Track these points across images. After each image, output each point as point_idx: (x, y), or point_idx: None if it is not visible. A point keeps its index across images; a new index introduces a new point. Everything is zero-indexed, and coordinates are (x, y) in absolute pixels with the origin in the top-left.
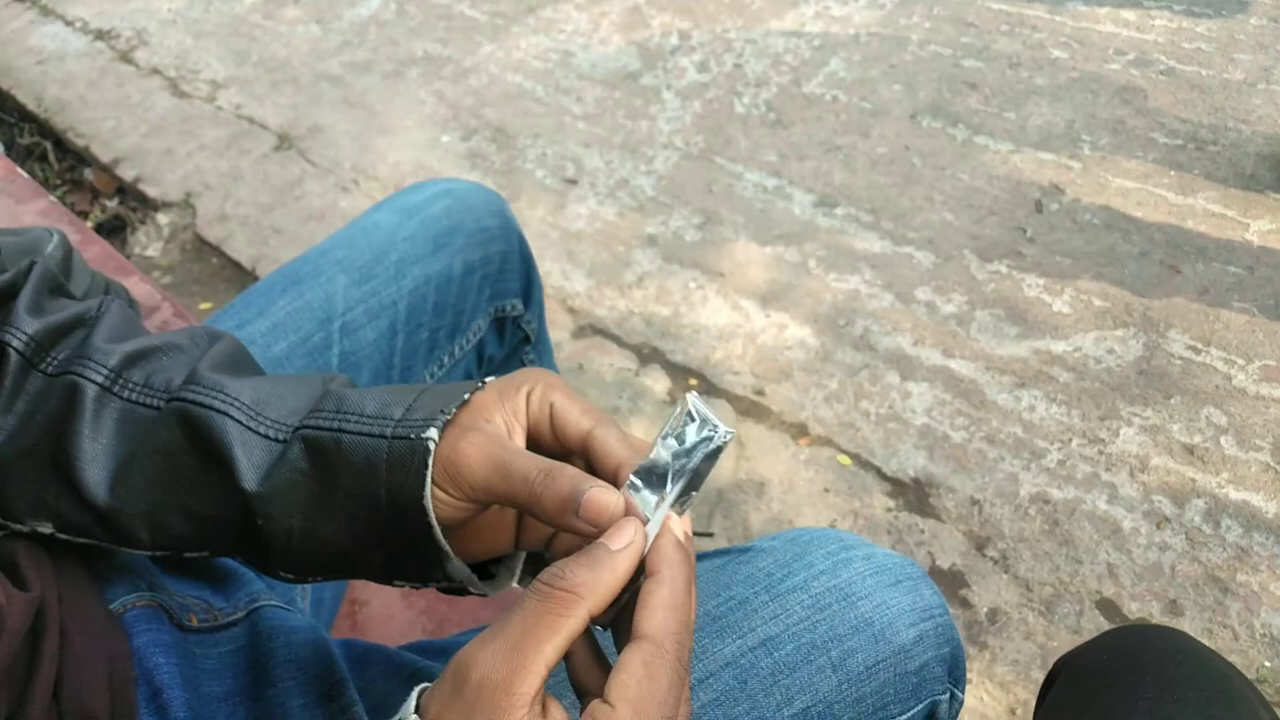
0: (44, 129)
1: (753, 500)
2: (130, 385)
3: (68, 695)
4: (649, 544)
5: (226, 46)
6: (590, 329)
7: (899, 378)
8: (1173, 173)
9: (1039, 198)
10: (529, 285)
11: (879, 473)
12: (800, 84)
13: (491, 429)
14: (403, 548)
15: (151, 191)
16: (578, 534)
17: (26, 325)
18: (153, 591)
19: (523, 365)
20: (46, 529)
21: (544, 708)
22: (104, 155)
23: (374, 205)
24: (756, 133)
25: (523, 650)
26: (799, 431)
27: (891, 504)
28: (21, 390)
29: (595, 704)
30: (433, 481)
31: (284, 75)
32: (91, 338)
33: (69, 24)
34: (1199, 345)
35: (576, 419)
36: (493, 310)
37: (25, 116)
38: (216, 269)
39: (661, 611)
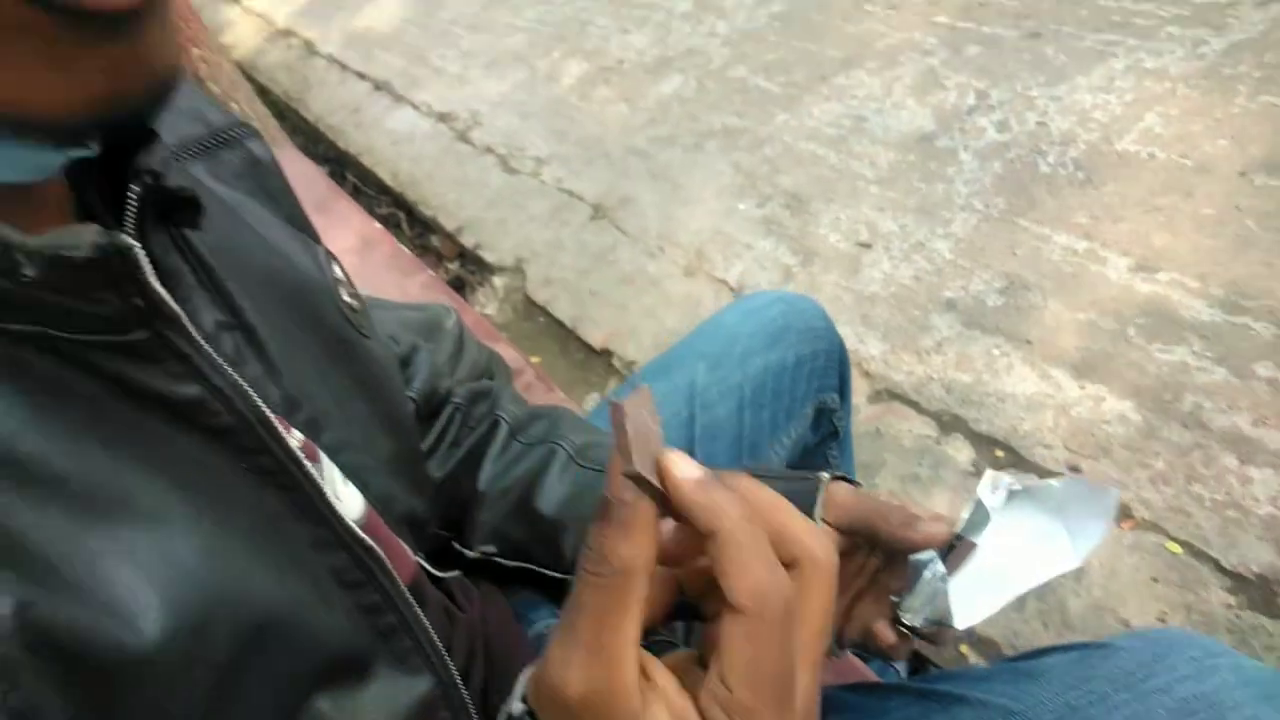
0: (398, 201)
1: (1070, 584)
2: (589, 459)
3: (491, 706)
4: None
5: (548, 126)
6: (887, 393)
7: (1237, 461)
8: None
9: None
10: (843, 384)
11: (1216, 565)
12: (1111, 141)
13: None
14: None
15: (489, 257)
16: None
17: (512, 408)
18: None
19: (827, 460)
20: (491, 550)
21: (646, 676)
22: (448, 224)
23: (722, 309)
24: (1064, 193)
25: (606, 648)
26: (1121, 514)
27: (1231, 600)
28: (506, 451)
29: (712, 684)
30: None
31: (598, 151)
32: (560, 426)
33: (416, 108)
34: None
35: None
36: (816, 400)
37: (383, 189)
38: (543, 327)
39: (741, 574)
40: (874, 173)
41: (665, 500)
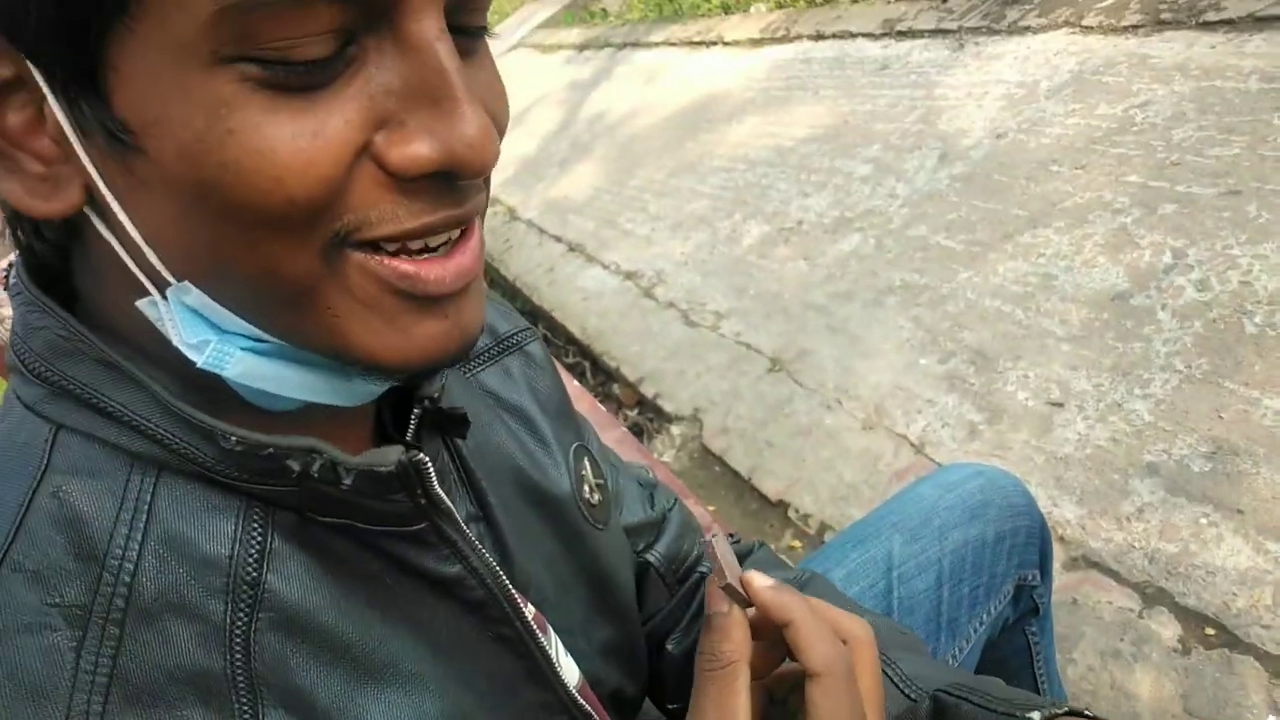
0: (584, 351)
1: None
2: None
3: None
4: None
5: (728, 283)
6: (1084, 561)
7: None
8: None
9: None
10: (1044, 561)
11: None
12: None
13: None
14: None
15: (667, 406)
16: None
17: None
18: None
19: (1025, 636)
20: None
21: None
22: (630, 375)
23: (917, 479)
24: (1274, 355)
25: None
26: None
27: None
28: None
29: None
30: None
31: (776, 306)
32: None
33: (605, 267)
34: None
35: None
36: (1016, 577)
37: (570, 341)
38: (718, 476)
39: (812, 646)
40: (1064, 330)
41: (749, 603)
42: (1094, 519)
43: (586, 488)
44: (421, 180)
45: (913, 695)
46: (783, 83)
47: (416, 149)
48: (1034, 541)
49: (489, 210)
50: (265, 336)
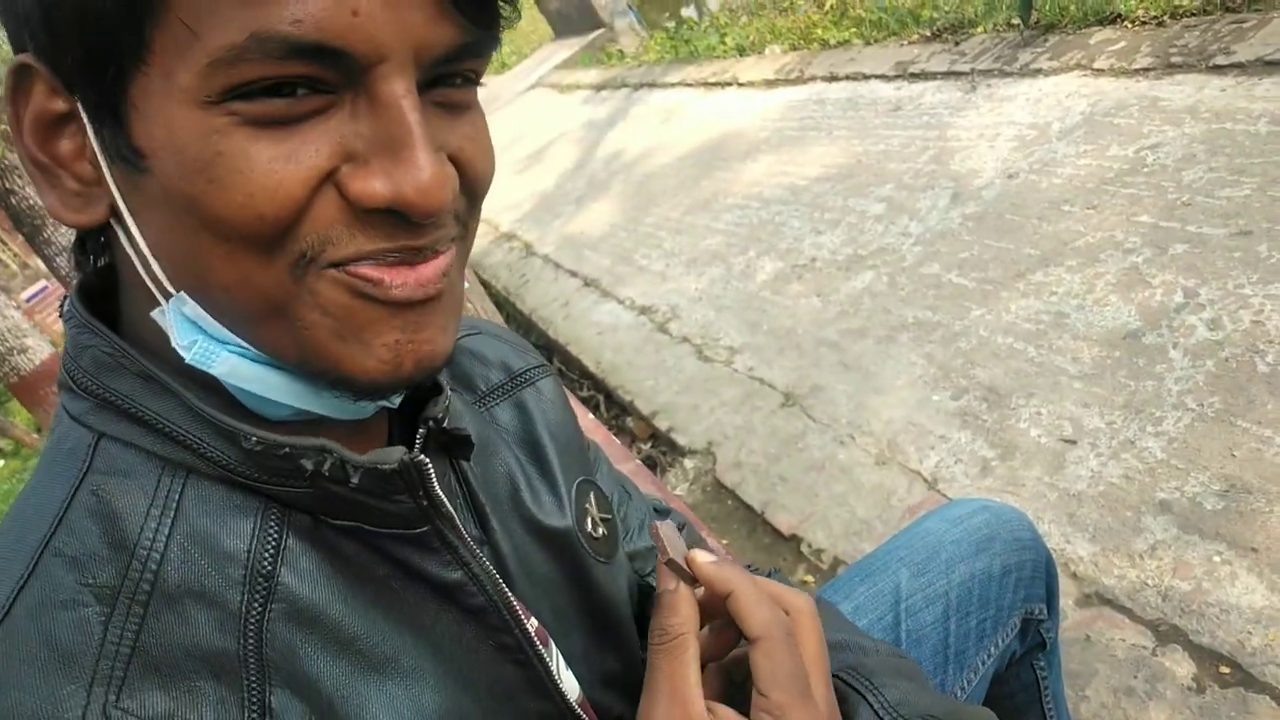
0: (598, 385)
1: None
2: None
3: None
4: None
5: (742, 318)
6: (1097, 598)
7: None
8: None
9: None
10: (1050, 596)
11: None
12: None
13: None
14: None
15: (680, 440)
16: None
17: None
18: None
19: (1033, 671)
20: None
21: (713, 713)
22: (644, 408)
23: (924, 515)
24: None
25: (678, 690)
26: None
27: None
28: None
29: (755, 697)
30: None
31: (789, 342)
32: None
33: (620, 302)
34: None
35: None
36: (1023, 610)
37: (585, 374)
38: (731, 510)
39: (752, 613)
40: (1077, 368)
41: (695, 582)
42: (1107, 556)
43: (590, 521)
44: (378, 214)
45: None
46: (796, 123)
47: (372, 185)
48: (1040, 576)
49: (506, 245)
50: (249, 348)
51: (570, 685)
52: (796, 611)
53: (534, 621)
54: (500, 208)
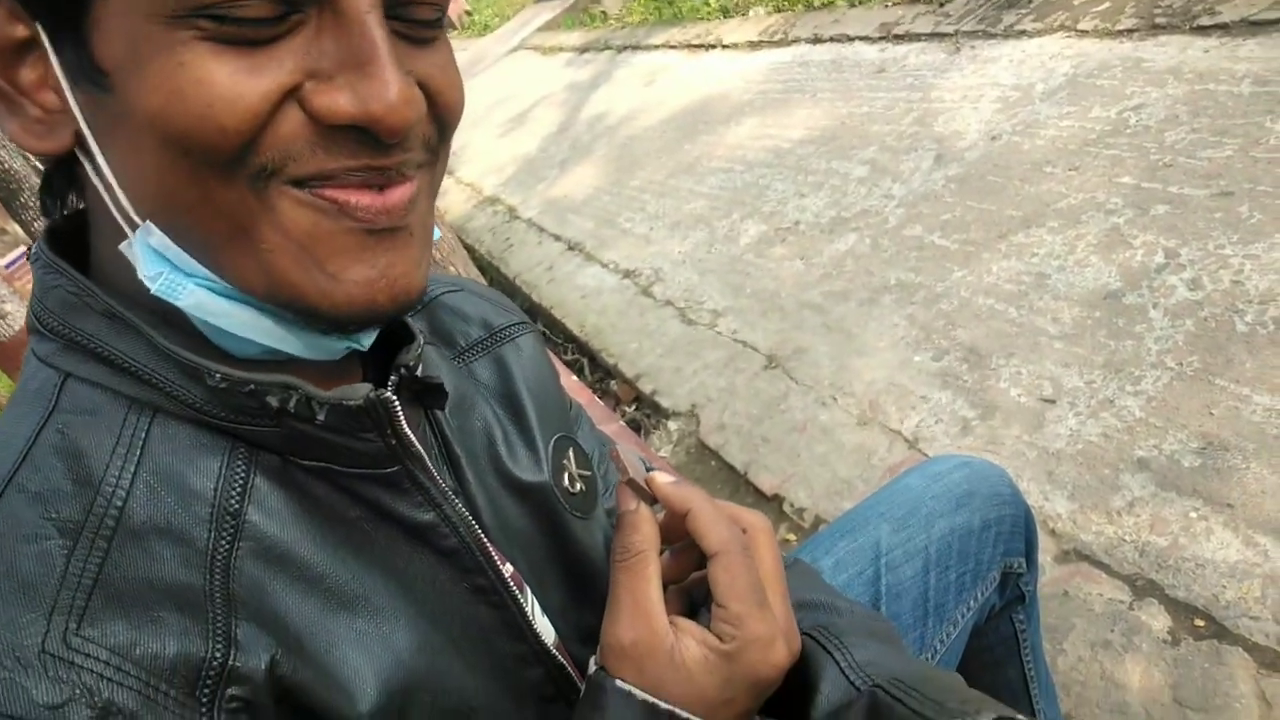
0: (583, 348)
1: None
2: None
3: None
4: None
5: (725, 281)
6: (1075, 554)
7: None
8: None
9: None
10: (1030, 550)
11: None
12: None
13: None
14: None
15: (664, 402)
16: None
17: None
18: None
19: (1011, 624)
20: None
21: (676, 625)
22: (628, 371)
23: (904, 471)
24: (1265, 353)
25: (640, 605)
26: None
27: None
28: None
29: (714, 610)
30: None
31: (772, 304)
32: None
33: (604, 266)
34: None
35: None
36: (1002, 564)
37: (569, 338)
38: (714, 471)
39: (709, 530)
40: (1057, 328)
41: (655, 502)
42: (1085, 513)
43: (567, 477)
44: (342, 130)
45: (858, 684)
46: (780, 85)
47: (336, 99)
48: (1019, 530)
49: (490, 210)
50: (216, 279)
51: (546, 629)
52: (753, 529)
53: (509, 567)
54: (483, 171)
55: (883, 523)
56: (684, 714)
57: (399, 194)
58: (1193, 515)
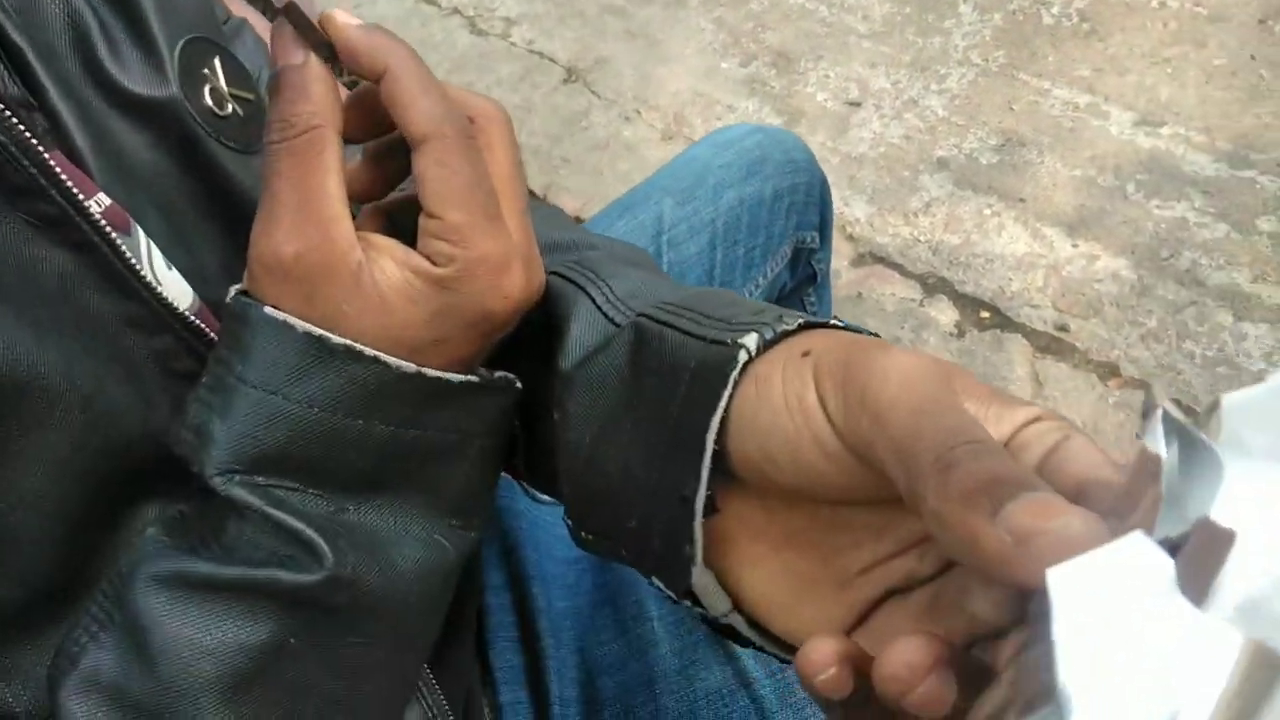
0: None
1: None
2: None
3: None
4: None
5: None
6: (870, 256)
7: (1232, 317)
8: None
9: None
10: (824, 225)
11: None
12: None
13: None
14: (664, 514)
15: None
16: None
17: None
18: None
19: (803, 305)
20: None
21: (367, 241)
22: None
23: (693, 144)
24: (1067, 45)
25: (311, 205)
26: (1109, 372)
27: None
28: None
29: (423, 222)
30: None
31: (571, 10)
32: None
33: None
34: None
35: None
36: (794, 238)
37: None
38: None
39: (415, 102)
40: (867, 27)
41: (334, 54)
42: (883, 216)
43: (210, 93)
44: None
45: (617, 319)
46: None
47: None
48: (814, 202)
49: None
50: None
51: (177, 288)
52: (485, 118)
53: (104, 198)
54: None
55: (666, 196)
56: (369, 351)
57: None
58: (986, 212)
